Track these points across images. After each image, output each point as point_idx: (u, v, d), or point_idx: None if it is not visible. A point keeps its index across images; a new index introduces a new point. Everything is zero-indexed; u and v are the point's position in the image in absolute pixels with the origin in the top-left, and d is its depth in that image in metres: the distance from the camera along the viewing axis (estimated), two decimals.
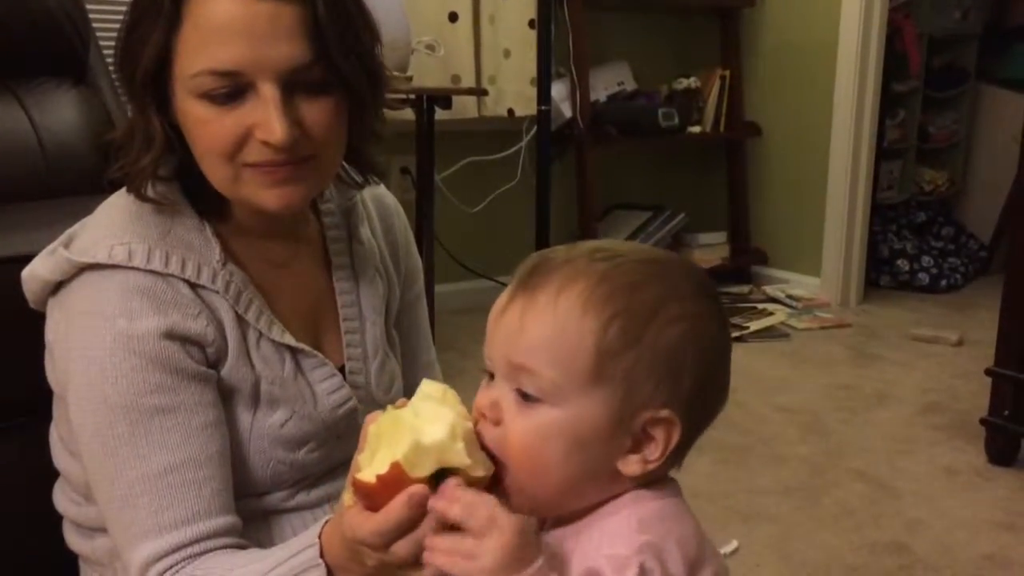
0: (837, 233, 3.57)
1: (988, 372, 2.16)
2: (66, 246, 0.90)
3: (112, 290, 0.86)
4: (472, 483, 0.65)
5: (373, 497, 0.66)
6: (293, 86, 0.85)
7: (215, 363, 0.91)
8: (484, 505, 0.63)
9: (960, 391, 2.66)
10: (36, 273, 0.92)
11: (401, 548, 0.66)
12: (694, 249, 3.75)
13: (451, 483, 0.64)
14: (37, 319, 0.94)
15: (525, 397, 0.65)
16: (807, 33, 3.56)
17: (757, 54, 3.76)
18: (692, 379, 0.66)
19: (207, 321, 0.89)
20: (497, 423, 0.67)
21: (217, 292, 0.90)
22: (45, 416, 1.01)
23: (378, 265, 1.07)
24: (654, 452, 0.66)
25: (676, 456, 0.68)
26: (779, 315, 3.38)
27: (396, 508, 0.65)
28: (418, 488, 0.64)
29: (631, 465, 0.66)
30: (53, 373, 0.95)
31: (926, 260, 3.86)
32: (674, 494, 0.69)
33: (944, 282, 3.83)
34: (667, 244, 3.69)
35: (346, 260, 1.03)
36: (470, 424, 0.67)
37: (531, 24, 3.22)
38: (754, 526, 1.87)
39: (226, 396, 0.92)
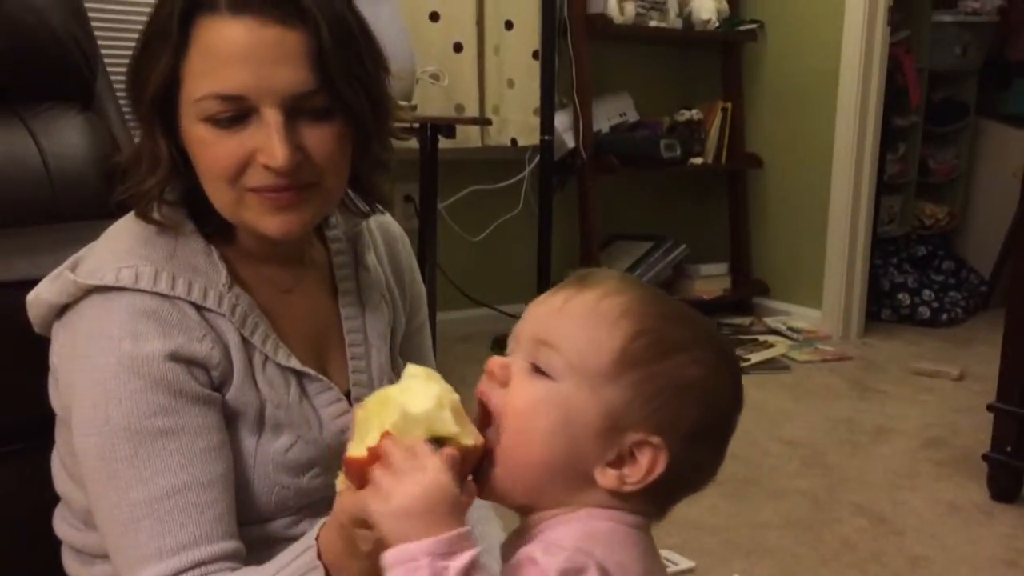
0: (838, 266, 3.58)
1: (990, 408, 2.15)
2: (72, 270, 0.91)
3: (118, 312, 0.87)
4: (462, 452, 0.66)
5: (365, 472, 0.67)
6: (296, 112, 0.85)
7: (220, 386, 0.91)
8: (417, 447, 0.64)
9: (961, 426, 2.65)
10: (41, 297, 0.92)
11: None
12: (695, 280, 3.75)
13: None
14: (41, 344, 0.94)
15: (537, 371, 0.68)
16: (808, 67, 3.58)
17: (759, 87, 3.79)
18: (691, 424, 0.68)
19: (212, 344, 0.89)
20: (504, 384, 0.69)
21: (223, 315, 0.91)
22: (47, 441, 1.01)
23: (383, 292, 1.07)
24: (634, 474, 0.67)
25: (656, 495, 0.69)
26: (780, 347, 3.37)
27: None
28: None
29: (608, 478, 0.67)
30: (57, 396, 0.95)
31: (927, 294, 3.87)
32: (636, 525, 0.69)
33: (945, 316, 3.83)
34: (668, 275, 3.69)
35: (352, 286, 1.04)
36: (457, 396, 0.69)
37: (535, 55, 3.25)
38: (756, 560, 1.86)
39: (231, 420, 0.92)
